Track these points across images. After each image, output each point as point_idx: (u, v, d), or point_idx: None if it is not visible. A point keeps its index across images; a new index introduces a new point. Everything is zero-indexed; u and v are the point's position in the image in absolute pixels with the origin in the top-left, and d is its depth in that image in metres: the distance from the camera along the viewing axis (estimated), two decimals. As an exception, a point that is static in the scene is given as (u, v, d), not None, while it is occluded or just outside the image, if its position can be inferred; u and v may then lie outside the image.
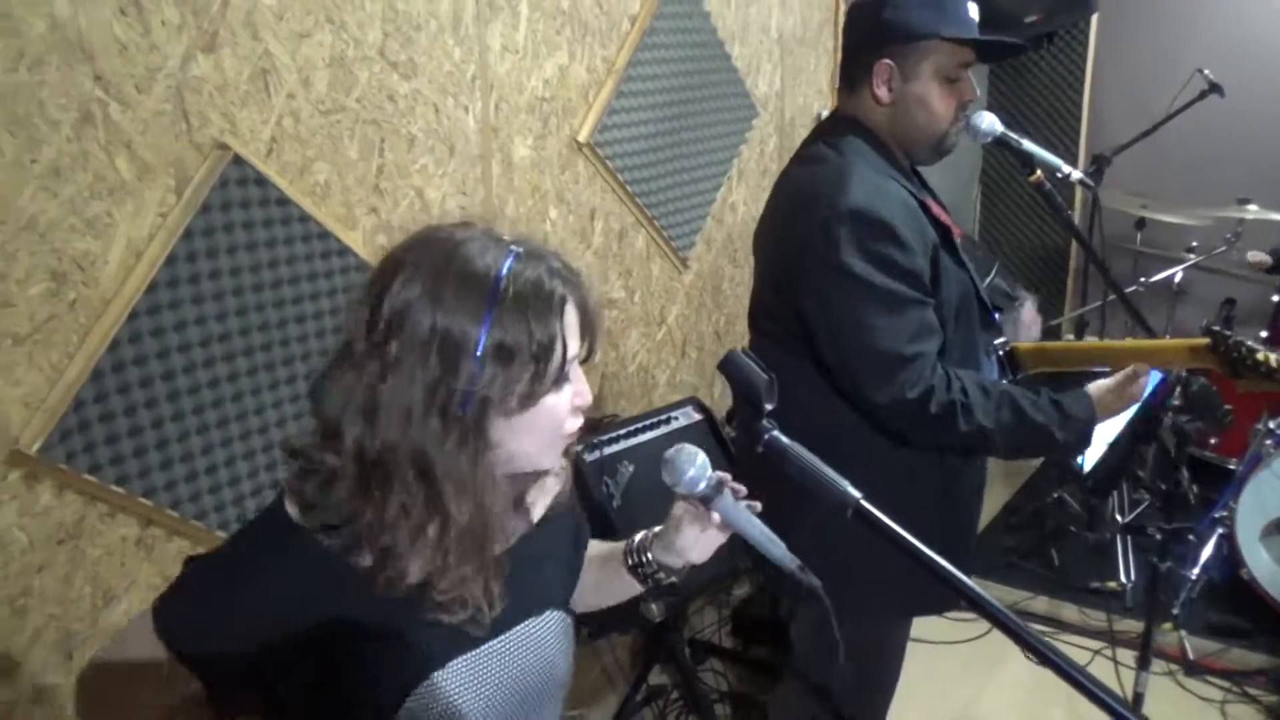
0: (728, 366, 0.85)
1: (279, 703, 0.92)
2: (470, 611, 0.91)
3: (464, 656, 0.93)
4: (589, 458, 2.17)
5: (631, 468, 2.25)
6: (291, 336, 1.72)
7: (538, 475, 1.00)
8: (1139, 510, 3.42)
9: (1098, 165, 3.30)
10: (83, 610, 1.51)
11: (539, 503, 1.06)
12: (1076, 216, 4.24)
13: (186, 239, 1.54)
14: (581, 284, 0.89)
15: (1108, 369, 1.57)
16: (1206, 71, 3.31)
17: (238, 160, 1.58)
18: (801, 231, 1.47)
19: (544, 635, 1.02)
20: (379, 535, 0.86)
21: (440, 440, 0.82)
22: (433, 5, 1.90)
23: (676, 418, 2.46)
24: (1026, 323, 1.81)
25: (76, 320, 1.43)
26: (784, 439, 0.82)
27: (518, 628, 0.99)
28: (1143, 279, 3.51)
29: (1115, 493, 3.38)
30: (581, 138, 2.32)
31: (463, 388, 0.81)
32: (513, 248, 0.87)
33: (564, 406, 0.89)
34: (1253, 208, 3.35)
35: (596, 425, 2.30)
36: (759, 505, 0.94)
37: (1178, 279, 3.55)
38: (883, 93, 1.54)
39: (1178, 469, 3.48)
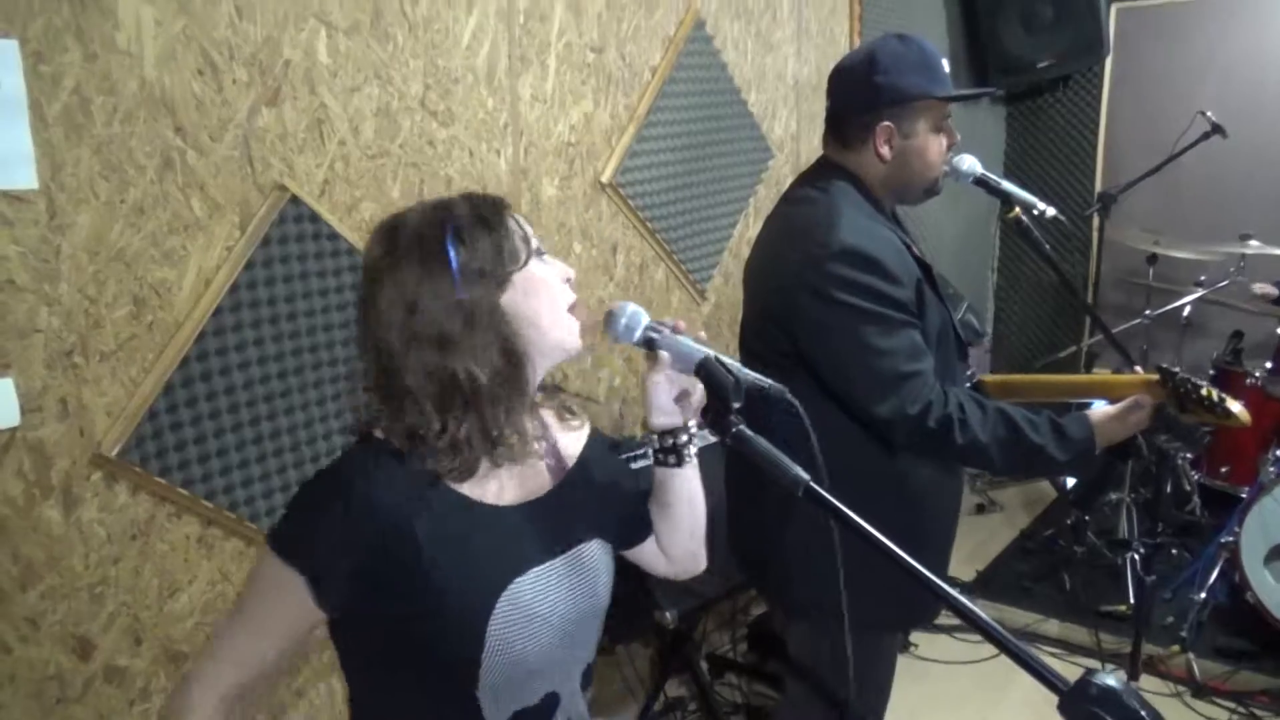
0: (700, 370, 1.01)
1: (369, 632, 1.05)
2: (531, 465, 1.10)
3: (539, 568, 1.08)
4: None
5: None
6: (339, 356, 1.91)
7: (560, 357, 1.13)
8: (1153, 537, 3.49)
9: (1104, 202, 3.43)
10: (150, 600, 1.68)
11: (570, 446, 1.22)
12: (1092, 254, 4.36)
13: (249, 269, 1.73)
14: (504, 201, 1.10)
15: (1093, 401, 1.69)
16: (1209, 113, 3.44)
17: (294, 200, 1.78)
18: (796, 268, 1.61)
19: (594, 559, 1.16)
20: (435, 426, 1.02)
21: (452, 338, 1.01)
22: (469, 60, 2.10)
23: (690, 456, 2.60)
24: None
25: (153, 339, 1.63)
26: (746, 430, 0.97)
27: (575, 549, 1.14)
28: (1148, 311, 3.62)
29: (1126, 520, 3.46)
30: (605, 178, 2.51)
31: (451, 281, 1.00)
32: (444, 198, 1.08)
33: (552, 276, 1.08)
34: (1254, 243, 3.45)
35: (617, 445, 2.46)
36: (702, 335, 1.11)
37: (1186, 312, 3.64)
38: (885, 151, 1.67)
39: (1190, 497, 3.58)
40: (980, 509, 4.18)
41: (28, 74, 1.42)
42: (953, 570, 3.53)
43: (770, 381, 1.05)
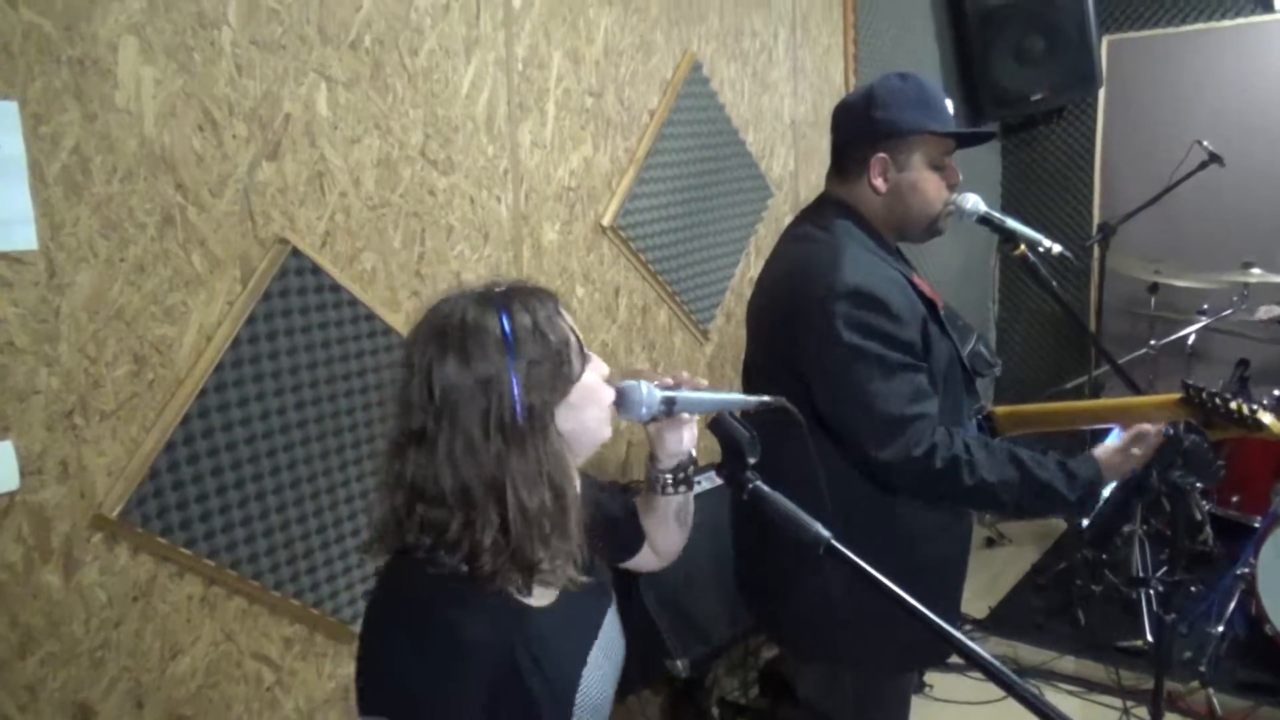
0: (716, 427, 0.99)
1: None
2: (575, 581, 1.08)
3: (590, 657, 1.11)
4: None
5: (657, 530, 2.37)
6: (341, 409, 1.89)
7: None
8: (1163, 570, 3.45)
9: (1104, 233, 3.43)
10: (151, 663, 1.65)
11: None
12: (1092, 285, 4.36)
13: (250, 323, 1.72)
14: (553, 291, 1.11)
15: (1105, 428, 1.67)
16: (1205, 143, 3.45)
17: (296, 252, 1.77)
18: (799, 308, 1.60)
19: (614, 624, 1.21)
20: (488, 554, 1.01)
21: (506, 455, 1.00)
22: (469, 109, 2.11)
23: (700, 481, 2.58)
24: None
25: (154, 398, 1.61)
26: (764, 488, 0.95)
27: (603, 623, 1.18)
28: (1153, 341, 3.60)
29: (1139, 553, 3.42)
30: (605, 221, 2.51)
31: (511, 404, 0.99)
32: (498, 291, 1.07)
33: (598, 379, 1.09)
34: (1256, 271, 3.45)
35: (625, 488, 2.43)
36: (702, 381, 1.14)
37: (1191, 341, 3.63)
38: (879, 183, 1.69)
39: (1202, 527, 3.54)
40: (990, 543, 4.14)
41: (27, 135, 1.41)
42: (965, 607, 3.49)
43: (770, 397, 1.07)
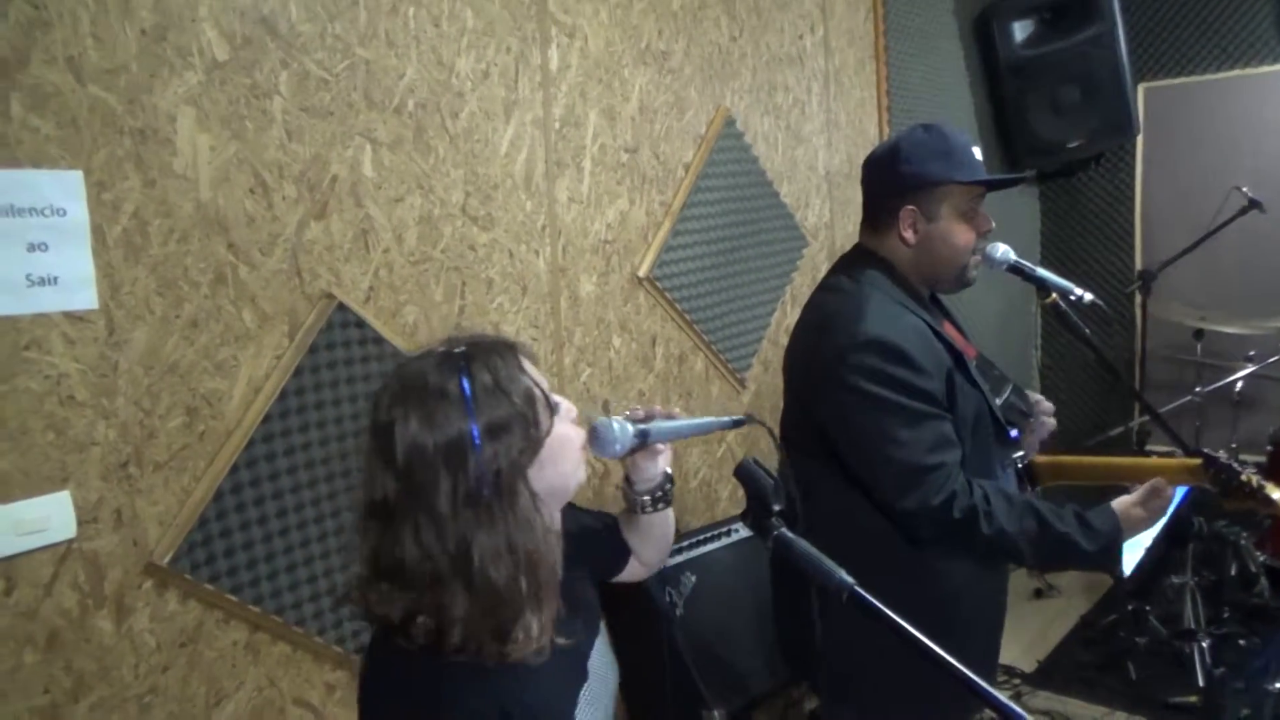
0: (741, 472, 1.01)
1: None
2: (556, 641, 1.05)
3: (584, 689, 1.11)
4: (652, 569, 2.30)
5: (694, 578, 2.38)
6: (383, 459, 1.94)
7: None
8: (1219, 623, 3.35)
9: (1145, 280, 3.40)
10: (197, 709, 1.69)
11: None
12: (1137, 331, 4.30)
13: (296, 376, 1.78)
14: (515, 341, 1.09)
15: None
16: (1244, 189, 3.43)
17: (341, 307, 1.84)
18: (821, 357, 1.63)
19: (606, 651, 1.20)
20: (459, 627, 0.99)
21: (477, 524, 0.97)
22: (508, 168, 2.18)
23: (737, 529, 2.59)
24: (1046, 425, 1.90)
25: (204, 449, 1.67)
26: (789, 534, 0.97)
27: (595, 647, 1.17)
28: (1198, 389, 3.55)
29: (1191, 605, 3.33)
30: (642, 273, 2.56)
31: (476, 474, 0.97)
32: (457, 351, 1.04)
33: (568, 427, 1.08)
34: (1303, 316, 3.40)
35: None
36: (677, 410, 1.16)
37: (1238, 388, 3.57)
38: (909, 235, 1.71)
39: (1257, 579, 3.44)
40: (1039, 594, 4.06)
41: (90, 201, 1.50)
42: (1013, 660, 3.43)
43: (739, 416, 1.18)
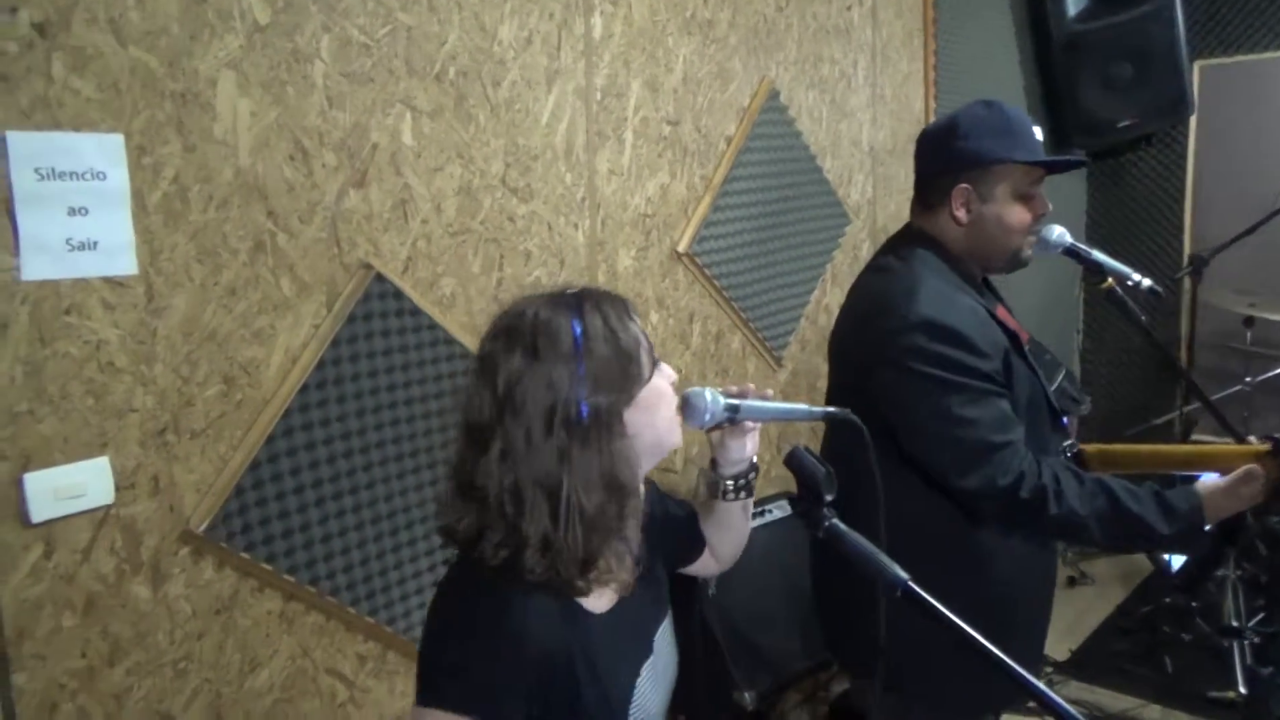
0: (792, 461, 0.98)
1: None
2: (629, 583, 1.09)
3: (644, 666, 1.11)
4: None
5: (726, 559, 2.35)
6: (419, 431, 1.92)
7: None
8: (1258, 618, 3.28)
9: (1196, 265, 3.31)
10: (231, 675, 1.69)
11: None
12: (1183, 318, 4.20)
13: (334, 346, 1.76)
14: (625, 298, 1.12)
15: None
16: (1305, 171, 3.31)
17: (379, 277, 1.82)
18: (875, 340, 1.58)
19: (668, 640, 1.20)
20: (535, 551, 1.01)
21: (568, 453, 1.00)
22: (548, 139, 2.14)
23: (771, 510, 2.56)
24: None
25: (241, 417, 1.66)
26: (841, 525, 0.94)
27: (656, 636, 1.17)
28: (1248, 378, 3.45)
29: (1232, 599, 3.26)
30: (681, 248, 2.51)
31: (576, 407, 1.00)
32: (570, 293, 1.08)
33: (667, 385, 1.10)
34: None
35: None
36: (769, 391, 1.14)
37: (1290, 377, 3.47)
38: (961, 214, 1.66)
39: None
40: (1072, 582, 4.00)
41: (131, 166, 1.48)
42: (1047, 648, 3.38)
43: (835, 408, 1.12)
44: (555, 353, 1.02)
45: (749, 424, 1.18)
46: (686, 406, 1.12)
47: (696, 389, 1.13)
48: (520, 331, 1.04)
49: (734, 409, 1.13)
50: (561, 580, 1.02)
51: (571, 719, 1.04)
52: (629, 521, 1.06)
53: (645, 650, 1.15)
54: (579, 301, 1.07)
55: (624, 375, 1.03)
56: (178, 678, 1.61)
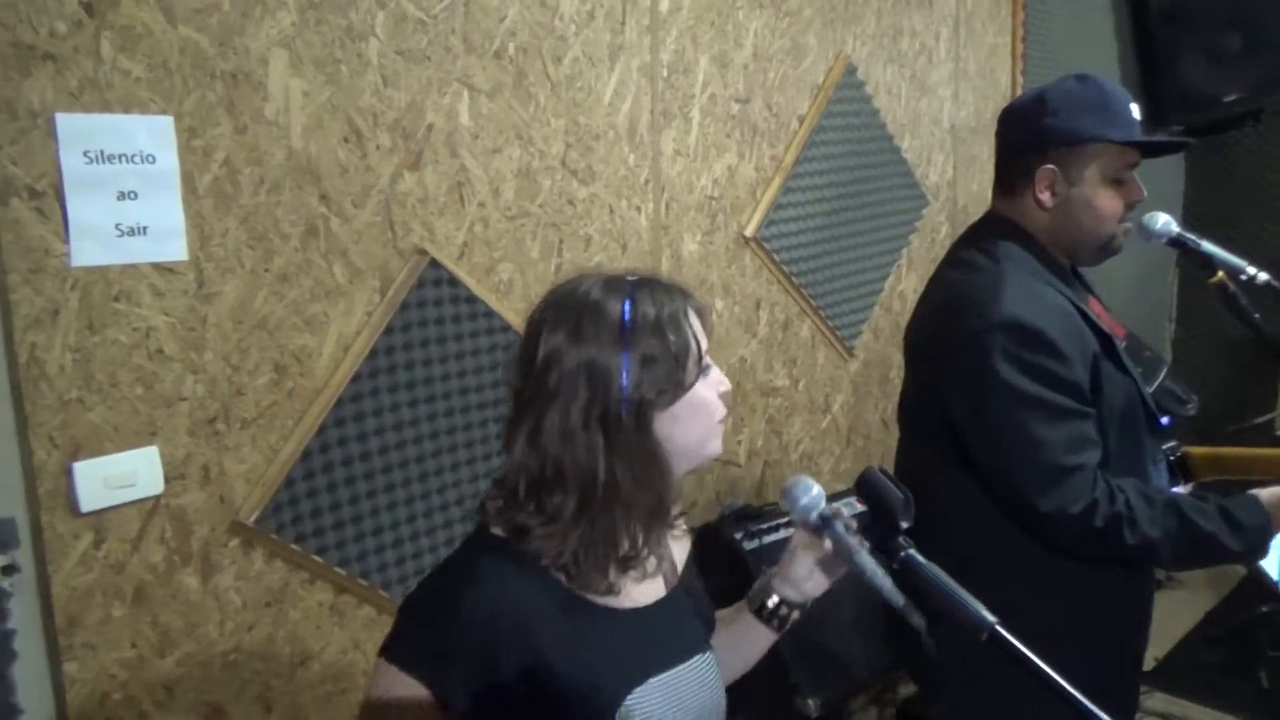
0: (864, 485, 0.89)
1: None
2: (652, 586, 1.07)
3: (660, 677, 1.04)
4: (748, 546, 2.19)
5: (791, 558, 2.25)
6: (474, 421, 1.87)
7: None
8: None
9: (1307, 253, 3.07)
10: (281, 667, 1.67)
11: (678, 553, 1.18)
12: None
13: (387, 334, 1.71)
14: (691, 293, 1.07)
15: None
16: None
17: (434, 263, 1.76)
18: (953, 340, 1.47)
19: (709, 671, 1.12)
20: (563, 540, 0.99)
21: (603, 449, 0.97)
22: (611, 118, 2.05)
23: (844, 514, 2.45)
24: None
25: (293, 406, 1.62)
26: (918, 557, 0.84)
27: (693, 659, 1.10)
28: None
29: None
30: (749, 232, 2.41)
31: (614, 397, 0.96)
32: (629, 279, 1.04)
33: (712, 394, 1.03)
34: None
35: (758, 513, 2.33)
36: (867, 543, 1.02)
37: None
38: (1045, 197, 1.53)
39: None
40: (1158, 585, 3.80)
41: (181, 149, 1.44)
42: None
43: (918, 619, 0.94)
44: (598, 338, 0.98)
45: (828, 547, 1.07)
46: (791, 486, 1.06)
47: (807, 481, 1.05)
48: (569, 308, 1.01)
49: (829, 517, 1.03)
50: (564, 566, 1.01)
51: (535, 704, 1.00)
52: (653, 522, 1.03)
53: (660, 664, 1.07)
54: (636, 289, 1.02)
55: (664, 378, 0.99)
56: (227, 669, 1.59)
